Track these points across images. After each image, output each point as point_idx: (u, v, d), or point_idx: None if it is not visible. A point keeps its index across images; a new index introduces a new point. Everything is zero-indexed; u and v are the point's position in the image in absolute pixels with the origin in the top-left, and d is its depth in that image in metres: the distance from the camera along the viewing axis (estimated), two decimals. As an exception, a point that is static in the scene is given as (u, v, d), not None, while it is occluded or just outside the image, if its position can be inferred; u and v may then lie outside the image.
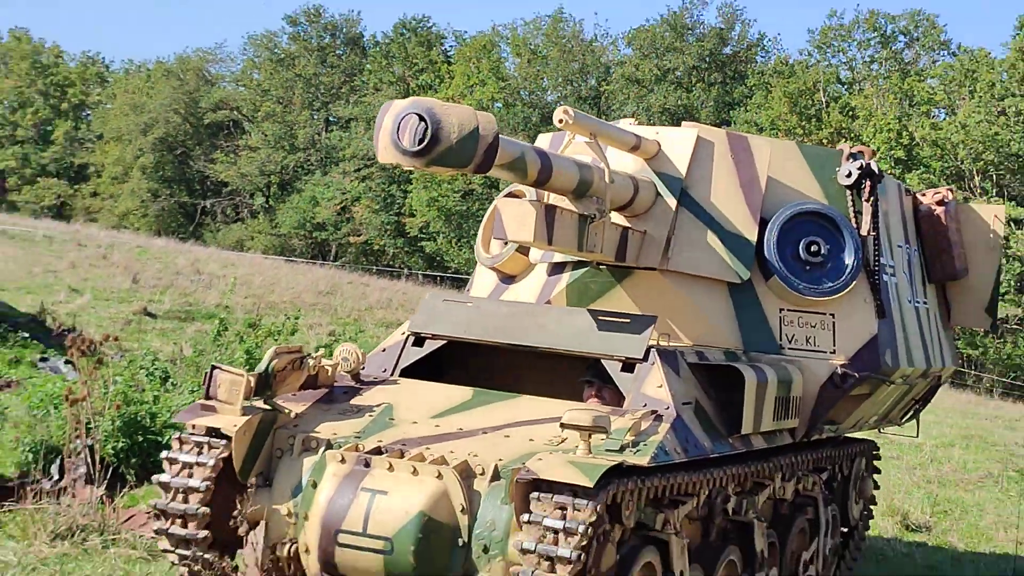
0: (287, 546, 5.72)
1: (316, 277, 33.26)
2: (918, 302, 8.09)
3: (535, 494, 5.13)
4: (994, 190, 43.02)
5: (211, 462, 5.74)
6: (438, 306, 6.83)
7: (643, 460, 5.32)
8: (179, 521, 5.76)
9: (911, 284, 7.98)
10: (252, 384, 5.83)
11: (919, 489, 14.48)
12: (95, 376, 9.44)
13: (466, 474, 5.49)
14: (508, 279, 7.75)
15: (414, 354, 6.72)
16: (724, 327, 7.05)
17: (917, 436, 9.50)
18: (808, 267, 7.11)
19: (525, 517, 5.11)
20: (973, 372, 38.57)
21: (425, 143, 5.10)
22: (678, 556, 5.85)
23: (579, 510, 5.03)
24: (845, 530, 9.01)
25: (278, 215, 56.32)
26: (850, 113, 46.02)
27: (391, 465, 5.56)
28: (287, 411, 6.05)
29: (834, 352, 7.08)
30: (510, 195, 7.34)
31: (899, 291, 7.63)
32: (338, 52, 60.27)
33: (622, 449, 5.36)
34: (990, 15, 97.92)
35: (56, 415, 9.52)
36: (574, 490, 5.05)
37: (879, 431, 9.20)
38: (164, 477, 5.82)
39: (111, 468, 8.80)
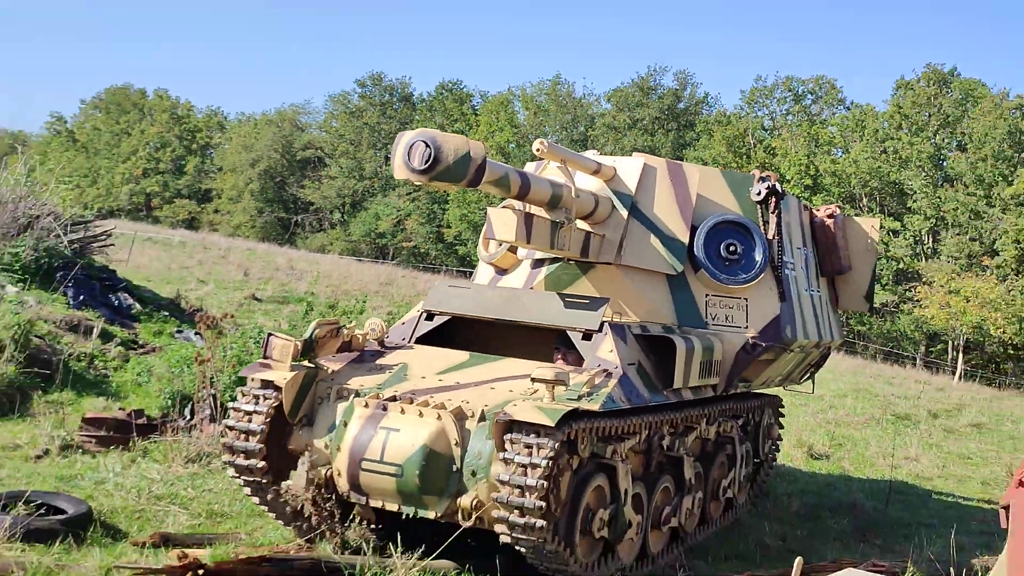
0: (324, 471, 5.56)
1: (378, 272, 33.25)
2: (812, 291, 7.87)
3: (508, 435, 4.94)
4: (877, 208, 42.79)
5: (266, 409, 5.58)
6: (446, 290, 6.65)
7: (595, 406, 5.15)
8: (242, 455, 5.61)
9: (807, 277, 7.77)
10: (299, 347, 5.67)
11: (821, 428, 14.33)
12: (217, 344, 9.38)
13: (459, 416, 5.34)
14: (502, 272, 7.56)
15: (426, 326, 6.54)
16: (662, 308, 6.86)
17: (813, 392, 9.30)
18: (727, 263, 6.91)
19: (501, 455, 4.93)
20: (861, 342, 38.20)
21: (429, 163, 4.96)
22: (623, 477, 5.66)
23: (543, 448, 4.85)
24: (757, 462, 8.80)
25: (350, 226, 56.24)
26: (771, 152, 45.64)
27: (403, 409, 5.41)
28: (326, 369, 5.87)
29: (746, 327, 6.88)
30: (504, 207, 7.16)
31: (797, 282, 7.43)
32: (395, 106, 60.03)
33: (579, 398, 5.20)
34: (876, 78, 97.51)
35: (188, 372, 9.44)
36: (538, 430, 4.85)
37: (784, 388, 8.97)
38: (230, 421, 5.65)
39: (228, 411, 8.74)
